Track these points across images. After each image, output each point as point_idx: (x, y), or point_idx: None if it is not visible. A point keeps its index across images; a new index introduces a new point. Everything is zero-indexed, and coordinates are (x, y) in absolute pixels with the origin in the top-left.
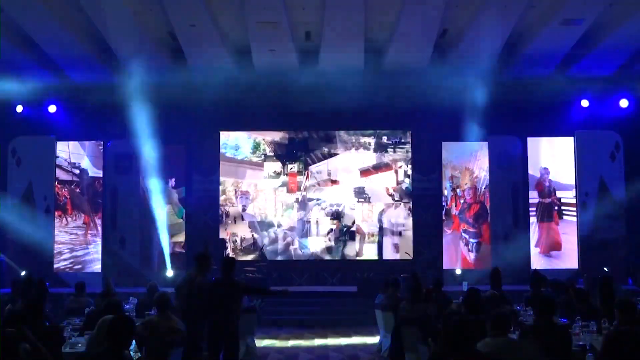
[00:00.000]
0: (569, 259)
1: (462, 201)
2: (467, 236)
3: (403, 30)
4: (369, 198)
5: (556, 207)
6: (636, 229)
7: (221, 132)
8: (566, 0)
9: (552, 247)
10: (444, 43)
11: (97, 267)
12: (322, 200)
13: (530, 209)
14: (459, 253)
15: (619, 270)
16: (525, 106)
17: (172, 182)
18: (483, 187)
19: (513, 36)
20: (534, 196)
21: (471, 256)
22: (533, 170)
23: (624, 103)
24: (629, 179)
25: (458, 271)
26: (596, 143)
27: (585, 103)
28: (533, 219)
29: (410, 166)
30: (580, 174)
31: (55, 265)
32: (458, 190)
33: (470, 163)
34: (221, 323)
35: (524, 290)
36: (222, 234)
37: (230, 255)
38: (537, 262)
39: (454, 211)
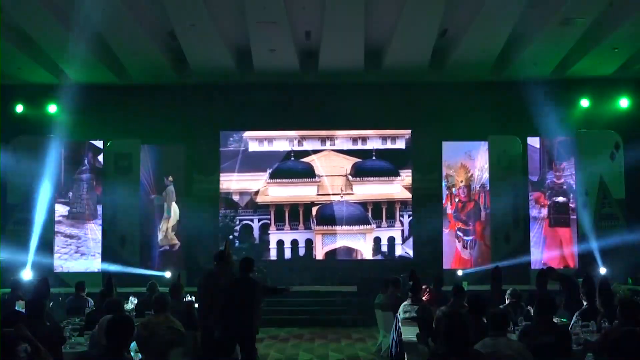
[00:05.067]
0: (568, 259)
1: (456, 200)
2: (461, 234)
3: (403, 30)
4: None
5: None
6: (636, 229)
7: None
8: (566, 0)
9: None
10: (444, 43)
11: (97, 267)
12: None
13: (531, 210)
14: (454, 252)
15: (619, 270)
16: (525, 106)
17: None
18: (478, 186)
19: (513, 36)
20: (535, 197)
21: (466, 253)
22: (533, 171)
23: (624, 103)
24: (628, 179)
25: (460, 272)
26: (596, 143)
27: (585, 103)
28: (534, 219)
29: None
30: (580, 174)
31: (56, 265)
32: (453, 189)
33: (465, 161)
34: (240, 322)
35: (523, 290)
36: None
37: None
38: (537, 262)
39: (449, 210)
